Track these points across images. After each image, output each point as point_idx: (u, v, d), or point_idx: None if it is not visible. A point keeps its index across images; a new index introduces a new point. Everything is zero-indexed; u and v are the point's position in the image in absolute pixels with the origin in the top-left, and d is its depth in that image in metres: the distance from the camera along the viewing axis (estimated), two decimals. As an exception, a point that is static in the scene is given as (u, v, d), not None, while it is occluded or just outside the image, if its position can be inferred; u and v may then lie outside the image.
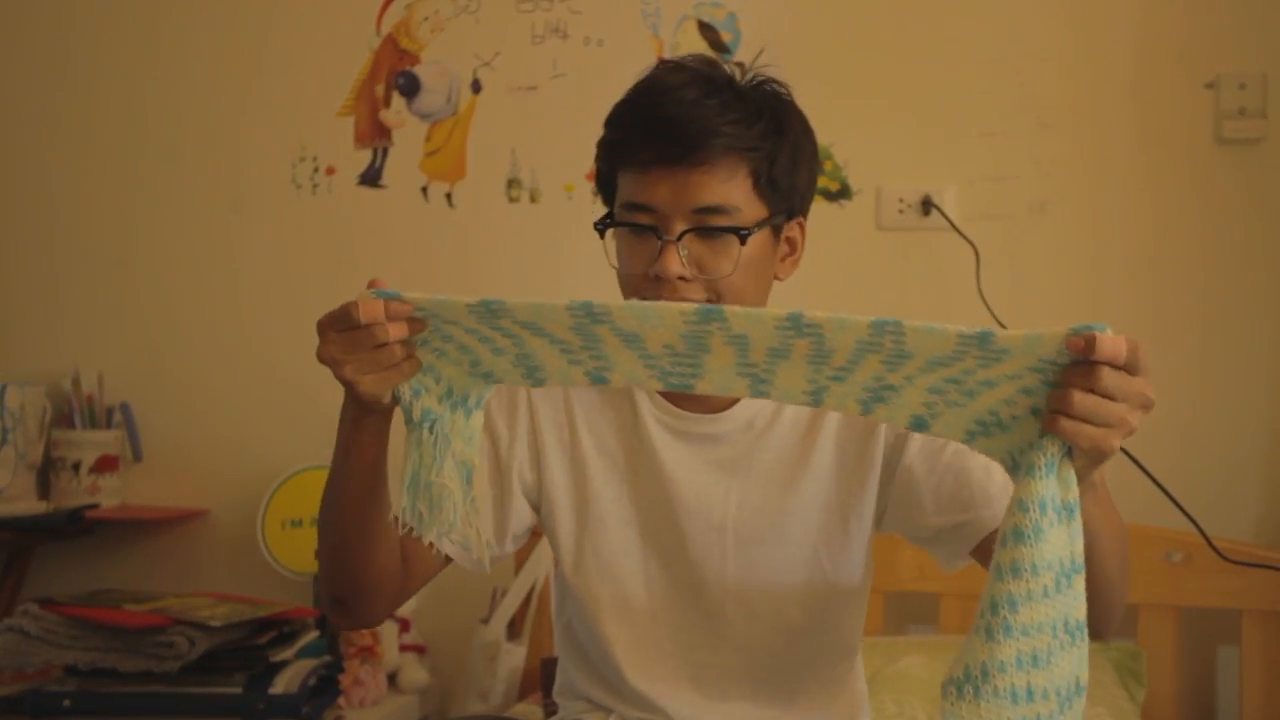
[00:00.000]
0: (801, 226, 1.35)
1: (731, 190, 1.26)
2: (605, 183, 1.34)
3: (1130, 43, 2.31)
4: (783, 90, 1.33)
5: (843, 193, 2.40)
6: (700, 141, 1.24)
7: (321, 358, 1.13)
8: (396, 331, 1.12)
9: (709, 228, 1.26)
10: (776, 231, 1.32)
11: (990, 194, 2.35)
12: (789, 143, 1.29)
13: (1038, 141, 2.34)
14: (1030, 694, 0.97)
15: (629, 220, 1.28)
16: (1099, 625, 1.13)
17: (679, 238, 1.26)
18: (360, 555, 1.26)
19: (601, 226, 1.31)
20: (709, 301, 1.27)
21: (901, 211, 2.38)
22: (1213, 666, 2.28)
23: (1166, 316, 2.31)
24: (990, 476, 1.29)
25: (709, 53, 2.42)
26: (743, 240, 1.27)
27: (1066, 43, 2.34)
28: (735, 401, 1.37)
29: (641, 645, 1.38)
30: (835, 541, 1.37)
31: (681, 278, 1.26)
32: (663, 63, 1.33)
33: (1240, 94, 2.26)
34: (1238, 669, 2.19)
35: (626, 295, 1.31)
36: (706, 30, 2.46)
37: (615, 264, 1.31)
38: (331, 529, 1.27)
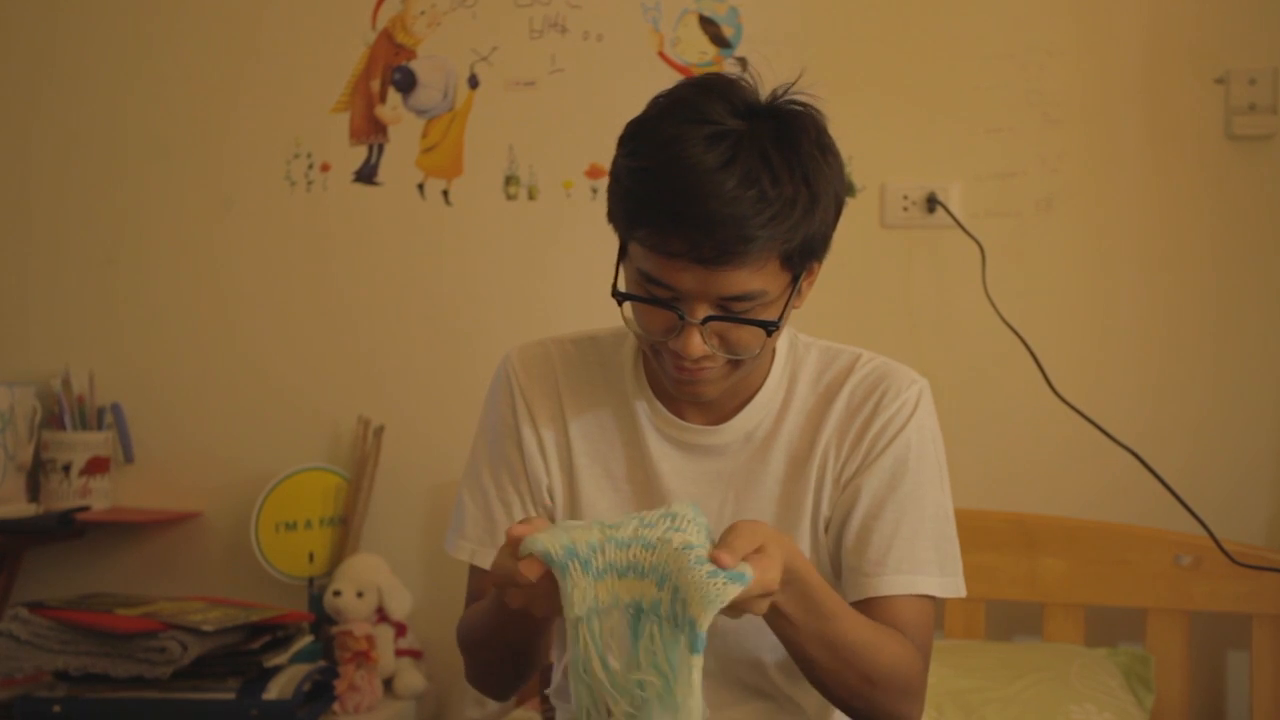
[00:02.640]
0: (820, 262, 1.29)
1: (760, 278, 1.20)
2: (617, 225, 1.26)
3: (1139, 37, 2.29)
4: (811, 123, 1.23)
5: (846, 190, 2.37)
6: (733, 246, 1.16)
7: (515, 604, 1.14)
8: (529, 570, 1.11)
9: (735, 317, 1.21)
10: (798, 280, 1.26)
11: (996, 191, 2.33)
12: (822, 207, 1.21)
13: (1045, 137, 2.32)
14: None
15: (648, 291, 1.22)
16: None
17: (703, 321, 1.21)
18: (532, 666, 1.34)
19: (618, 298, 1.25)
20: (729, 367, 1.26)
21: (906, 209, 2.36)
22: (1222, 672, 2.26)
23: (1176, 315, 2.29)
24: (892, 550, 1.30)
25: (710, 49, 2.40)
26: (769, 333, 1.23)
27: (1074, 37, 2.31)
28: (737, 411, 1.35)
29: None
30: (832, 554, 1.36)
31: (703, 355, 1.23)
32: (689, 110, 1.20)
33: (1251, 89, 2.24)
34: (1248, 674, 2.16)
35: (644, 343, 1.28)
36: (708, 25, 2.43)
37: (630, 320, 1.26)
38: (501, 663, 1.33)
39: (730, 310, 1.21)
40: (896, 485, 1.32)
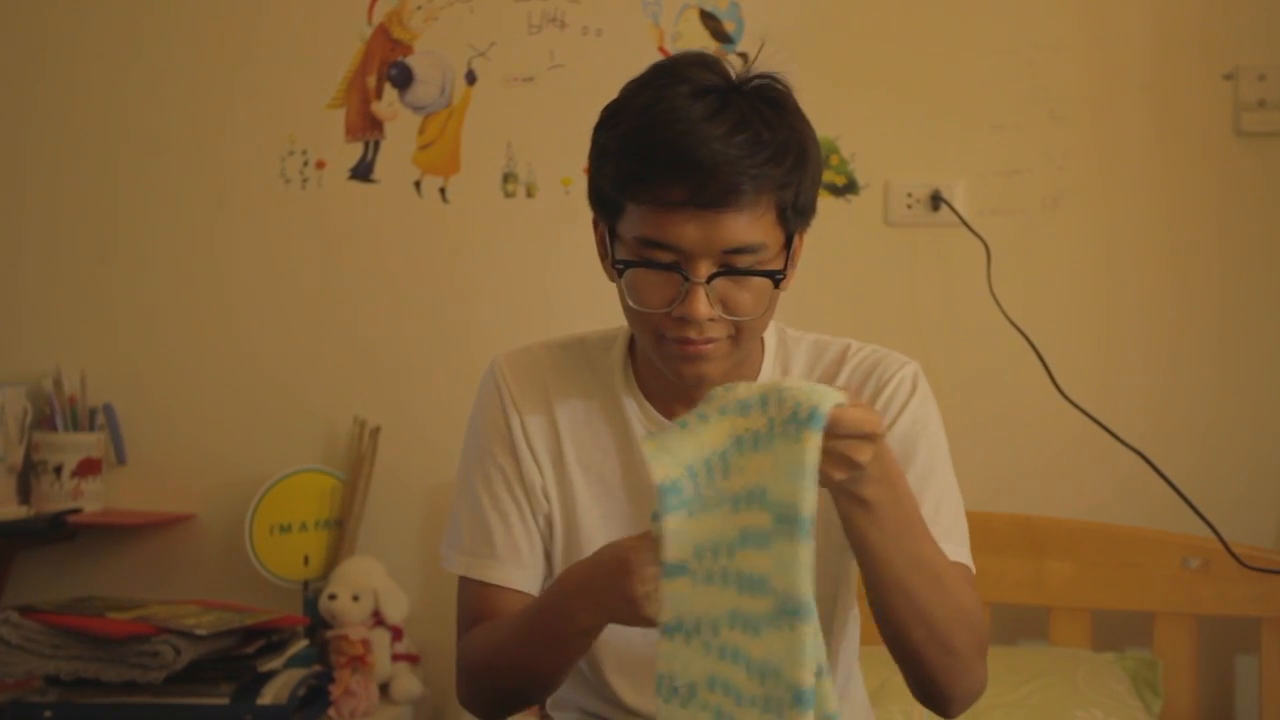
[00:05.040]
0: (802, 235, 1.29)
1: (760, 228, 1.20)
2: (605, 202, 1.25)
3: (1146, 32, 2.28)
4: (785, 91, 1.24)
5: (849, 187, 2.36)
6: (735, 185, 1.16)
7: (636, 595, 1.12)
8: None
9: (740, 270, 1.21)
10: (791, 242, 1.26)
11: (1001, 188, 2.32)
12: (811, 165, 1.23)
13: (1051, 134, 2.30)
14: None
15: (648, 258, 1.21)
16: (929, 689, 1.22)
17: (708, 280, 1.20)
18: (554, 688, 1.32)
19: (621, 267, 1.23)
20: (731, 337, 1.24)
21: (910, 207, 2.34)
22: (1231, 676, 2.25)
23: (1183, 315, 2.28)
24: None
25: (711, 44, 2.39)
26: (776, 284, 1.22)
27: (1080, 32, 2.30)
28: None
29: (634, 663, 1.35)
30: (832, 555, 1.33)
31: (709, 319, 1.21)
32: (667, 75, 1.22)
33: (1260, 85, 2.23)
34: (1257, 679, 2.15)
35: (643, 330, 1.26)
36: (709, 19, 2.41)
37: (631, 300, 1.23)
38: (525, 689, 1.30)
39: (733, 264, 1.20)
40: (909, 463, 1.29)
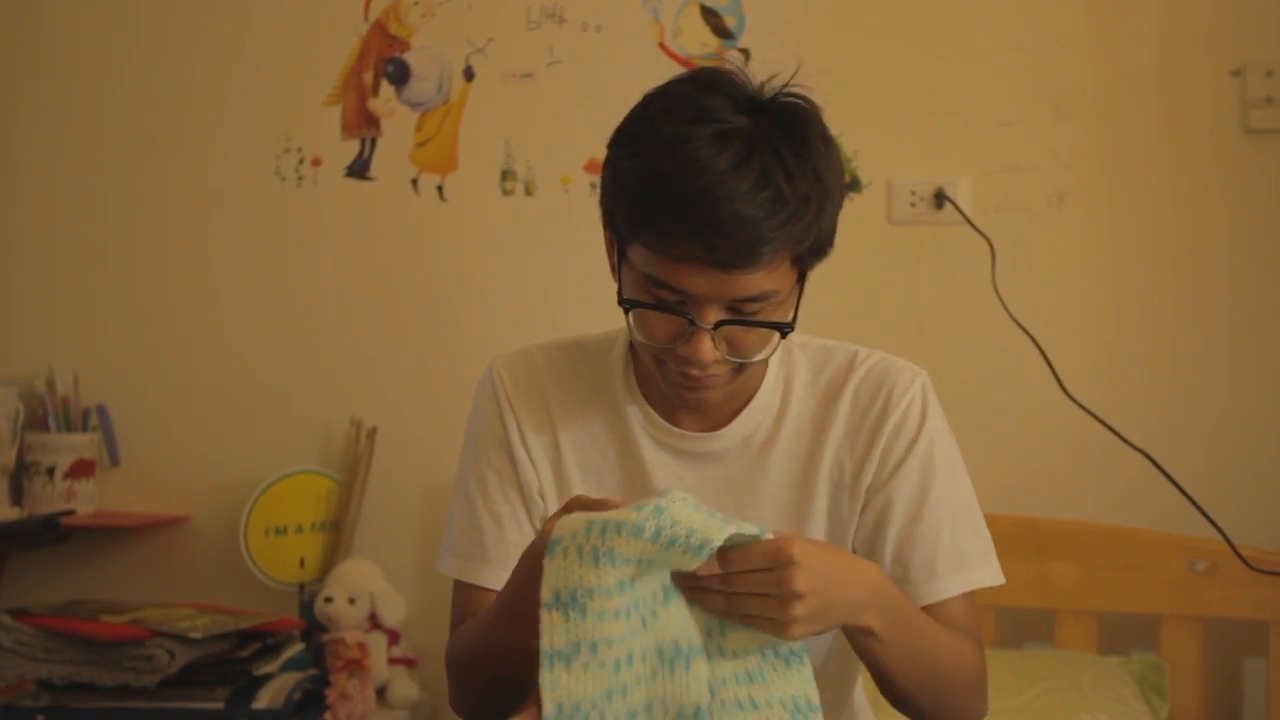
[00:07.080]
0: (826, 255, 1.26)
1: (773, 279, 1.17)
2: (616, 227, 1.22)
3: (1153, 28, 2.28)
4: (813, 117, 1.20)
5: (852, 185, 2.36)
6: (753, 249, 1.13)
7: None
8: None
9: (749, 321, 1.18)
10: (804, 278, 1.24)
11: (1006, 186, 2.32)
12: (833, 202, 1.19)
13: (1056, 132, 2.30)
14: None
15: (656, 296, 1.19)
16: None
17: (715, 327, 1.18)
18: (531, 685, 1.29)
19: (628, 307, 1.21)
20: (735, 373, 1.23)
21: (913, 205, 2.33)
22: (1239, 680, 2.25)
23: (1189, 314, 2.28)
24: (939, 552, 1.29)
25: (712, 40, 2.38)
26: (784, 335, 1.20)
27: (1086, 28, 2.30)
28: (733, 416, 1.31)
29: None
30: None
31: (714, 360, 1.20)
32: (690, 106, 1.17)
33: (1267, 82, 2.23)
34: (1265, 682, 2.15)
35: (647, 359, 1.24)
36: (709, 15, 2.40)
37: (637, 333, 1.21)
38: (500, 680, 1.27)
39: (741, 312, 1.18)
40: (929, 486, 1.29)
